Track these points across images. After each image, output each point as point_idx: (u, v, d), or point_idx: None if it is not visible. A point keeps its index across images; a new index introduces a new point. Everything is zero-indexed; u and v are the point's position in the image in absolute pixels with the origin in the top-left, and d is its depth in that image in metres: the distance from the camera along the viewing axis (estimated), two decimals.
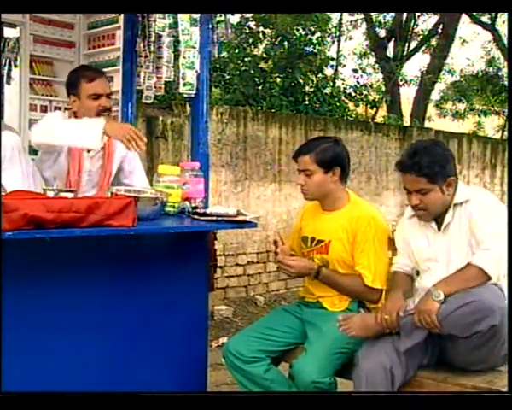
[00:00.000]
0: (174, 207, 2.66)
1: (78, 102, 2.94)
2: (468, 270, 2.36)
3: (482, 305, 2.27)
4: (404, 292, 2.59)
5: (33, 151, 3.14)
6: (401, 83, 12.59)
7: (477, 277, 2.34)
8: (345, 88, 9.53)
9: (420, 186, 2.47)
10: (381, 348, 2.45)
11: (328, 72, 9.58)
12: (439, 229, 2.54)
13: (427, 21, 13.44)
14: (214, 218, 2.60)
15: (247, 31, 8.66)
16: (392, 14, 11.99)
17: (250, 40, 8.62)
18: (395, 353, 2.42)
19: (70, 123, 2.85)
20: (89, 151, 2.96)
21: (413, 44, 12.82)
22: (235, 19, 8.31)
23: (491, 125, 15.10)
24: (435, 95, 14.58)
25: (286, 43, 8.64)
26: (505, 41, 12.47)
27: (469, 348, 2.38)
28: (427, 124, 12.72)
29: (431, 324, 2.33)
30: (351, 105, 9.62)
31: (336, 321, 2.56)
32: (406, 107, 12.34)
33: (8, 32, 3.62)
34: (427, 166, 2.44)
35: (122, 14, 3.28)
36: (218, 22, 3.17)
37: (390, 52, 12.12)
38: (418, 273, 2.66)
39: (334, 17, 10.62)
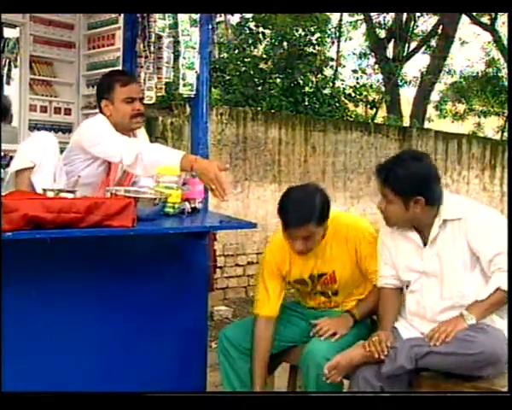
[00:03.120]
0: (174, 207, 2.65)
1: (112, 106, 2.89)
2: (499, 295, 2.33)
3: (487, 356, 2.25)
4: (393, 318, 2.56)
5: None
6: (401, 83, 12.60)
7: (503, 301, 2.34)
8: (344, 88, 9.53)
9: (384, 193, 2.46)
10: (367, 371, 2.42)
11: (328, 72, 9.58)
12: (424, 244, 2.49)
13: (426, 22, 13.49)
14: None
15: (247, 31, 8.66)
16: (392, 14, 12.01)
17: (250, 41, 8.62)
18: (380, 378, 2.38)
19: (153, 149, 2.83)
20: None
21: (413, 45, 12.85)
22: (234, 19, 8.32)
23: (491, 126, 15.12)
24: (435, 95, 14.62)
25: (285, 43, 8.64)
26: (505, 42, 12.49)
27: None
28: (426, 124, 12.75)
29: (448, 335, 2.29)
30: (350, 106, 9.63)
31: (323, 374, 2.44)
32: (406, 107, 12.36)
33: (8, 33, 3.63)
34: (394, 178, 2.41)
35: (122, 15, 3.29)
36: (218, 23, 3.17)
37: (390, 53, 12.13)
38: (407, 286, 2.59)
39: (334, 17, 10.64)
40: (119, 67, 3.30)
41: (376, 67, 12.28)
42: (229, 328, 2.86)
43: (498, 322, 2.40)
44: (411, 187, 2.40)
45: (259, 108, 7.61)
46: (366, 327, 2.73)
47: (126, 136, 2.90)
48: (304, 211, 2.55)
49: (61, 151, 3.00)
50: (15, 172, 2.68)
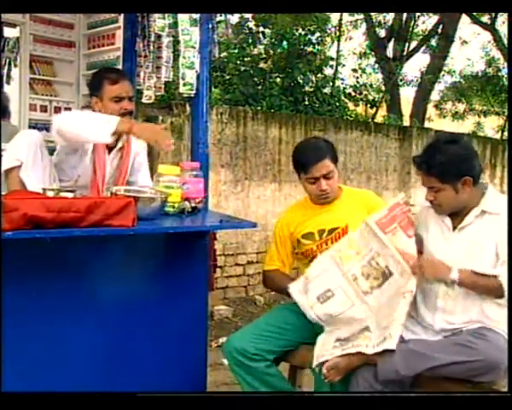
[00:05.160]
0: (174, 207, 2.65)
1: (101, 103, 2.89)
2: (493, 281, 2.34)
3: (487, 363, 2.26)
4: None
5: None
6: (401, 83, 12.60)
7: (494, 291, 2.34)
8: (344, 88, 9.54)
9: (431, 184, 2.45)
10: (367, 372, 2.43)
11: (328, 72, 9.59)
12: (454, 228, 2.50)
13: (426, 22, 13.48)
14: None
15: (247, 31, 8.66)
16: (392, 14, 12.01)
17: (250, 40, 8.62)
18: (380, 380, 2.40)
19: (87, 116, 2.78)
20: (109, 152, 2.96)
21: (413, 44, 12.85)
22: (234, 19, 8.32)
23: (491, 126, 15.13)
24: (435, 95, 14.62)
25: (285, 42, 8.64)
26: (505, 41, 12.49)
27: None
28: (426, 124, 12.74)
29: (425, 271, 2.38)
30: (350, 105, 9.63)
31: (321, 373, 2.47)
32: (406, 107, 12.35)
33: (8, 32, 3.62)
34: (437, 166, 2.40)
35: (122, 14, 3.28)
36: (219, 22, 3.17)
37: (390, 52, 12.13)
38: None
39: (334, 17, 10.64)
40: (119, 67, 3.30)
41: (376, 66, 12.28)
42: (232, 338, 2.83)
43: (501, 322, 2.40)
44: (457, 170, 2.41)
45: (259, 108, 7.61)
46: None
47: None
48: (318, 149, 2.83)
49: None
50: (5, 172, 2.69)
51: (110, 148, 2.95)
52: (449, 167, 2.40)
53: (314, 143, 2.92)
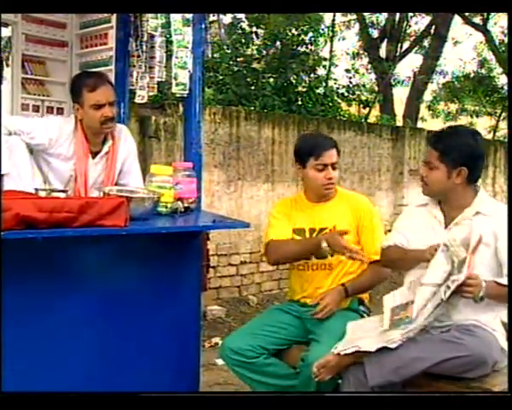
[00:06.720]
0: (166, 207, 2.65)
1: (82, 110, 2.86)
2: (505, 290, 2.31)
3: (475, 359, 2.26)
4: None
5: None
6: (394, 83, 12.64)
7: (505, 299, 2.32)
8: (337, 88, 9.55)
9: (430, 159, 2.48)
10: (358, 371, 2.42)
11: (321, 72, 9.60)
12: (446, 226, 2.50)
13: (419, 22, 13.53)
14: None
15: (240, 31, 8.66)
16: (385, 14, 12.05)
17: (242, 40, 8.62)
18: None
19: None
20: (94, 157, 2.94)
21: (406, 45, 12.91)
22: (227, 19, 8.32)
23: (483, 126, 15.19)
24: (428, 95, 14.67)
25: (278, 43, 8.65)
26: (497, 42, 12.56)
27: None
28: (419, 124, 12.80)
29: (469, 289, 2.26)
30: (343, 105, 9.64)
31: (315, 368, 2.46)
32: (399, 107, 12.40)
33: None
34: (444, 143, 2.44)
35: (114, 14, 3.27)
36: (211, 22, 3.17)
37: (383, 52, 12.17)
38: None
39: (327, 17, 10.66)
40: (112, 67, 3.28)
41: (369, 66, 12.32)
42: (227, 340, 2.82)
43: (490, 322, 2.40)
44: (458, 156, 2.44)
45: (252, 108, 7.62)
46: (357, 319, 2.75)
47: (100, 138, 2.93)
48: (330, 138, 3.02)
49: None
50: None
51: (95, 152, 2.94)
52: (453, 150, 2.43)
53: (323, 134, 2.93)
